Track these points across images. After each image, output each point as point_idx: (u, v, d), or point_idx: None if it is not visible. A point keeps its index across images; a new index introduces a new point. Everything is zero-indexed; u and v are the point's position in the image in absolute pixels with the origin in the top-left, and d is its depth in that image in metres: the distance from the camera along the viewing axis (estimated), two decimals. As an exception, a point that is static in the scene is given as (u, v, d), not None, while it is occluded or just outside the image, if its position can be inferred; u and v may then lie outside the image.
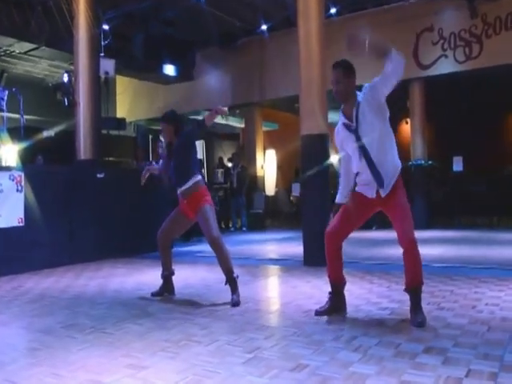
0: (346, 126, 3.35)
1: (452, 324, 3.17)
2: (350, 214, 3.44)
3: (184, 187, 4.10)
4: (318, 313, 3.49)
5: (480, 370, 2.35)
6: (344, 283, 3.59)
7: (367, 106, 3.25)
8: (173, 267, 4.40)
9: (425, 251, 6.93)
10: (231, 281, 4.01)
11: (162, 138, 12.07)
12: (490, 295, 3.97)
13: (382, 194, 3.29)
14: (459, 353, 2.60)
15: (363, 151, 3.27)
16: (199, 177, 4.17)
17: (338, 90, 3.29)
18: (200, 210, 4.06)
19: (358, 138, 3.27)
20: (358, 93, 3.33)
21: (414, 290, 3.27)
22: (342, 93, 3.30)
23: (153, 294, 4.31)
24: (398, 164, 3.37)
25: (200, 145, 15.00)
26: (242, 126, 15.05)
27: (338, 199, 3.56)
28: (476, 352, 2.61)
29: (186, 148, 4.13)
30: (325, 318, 3.42)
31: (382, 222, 10.92)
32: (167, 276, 4.37)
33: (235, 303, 3.86)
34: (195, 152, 4.25)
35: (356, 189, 3.46)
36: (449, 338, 2.85)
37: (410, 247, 3.25)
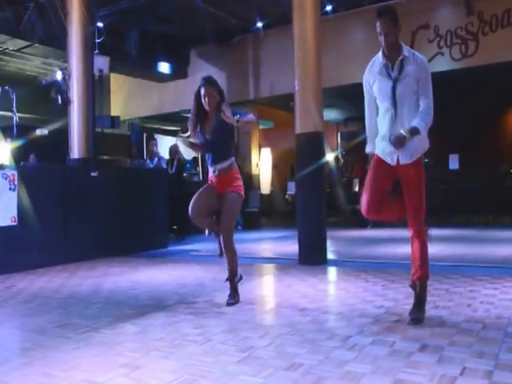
0: (387, 68, 3.22)
1: (447, 322, 3.17)
2: (376, 181, 3.29)
3: (220, 166, 3.87)
4: None
5: (475, 368, 2.34)
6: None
7: (413, 71, 3.17)
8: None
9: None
10: (232, 279, 3.94)
11: (155, 137, 12.05)
12: (485, 293, 3.98)
13: (402, 160, 3.18)
14: (454, 351, 2.60)
15: (394, 104, 3.17)
16: (234, 159, 3.96)
17: (390, 43, 3.16)
18: (229, 195, 3.85)
19: (394, 88, 3.16)
20: (404, 46, 3.22)
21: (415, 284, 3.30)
22: (393, 45, 3.18)
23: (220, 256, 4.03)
24: (425, 140, 3.29)
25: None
26: (237, 124, 14.99)
27: (369, 148, 3.40)
28: (471, 350, 2.60)
29: (229, 126, 3.81)
30: (320, 316, 3.41)
31: (377, 221, 10.95)
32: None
33: (230, 303, 3.82)
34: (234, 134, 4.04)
35: (377, 152, 3.32)
36: (444, 337, 2.85)
37: (417, 234, 3.29)
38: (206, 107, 3.89)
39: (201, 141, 3.96)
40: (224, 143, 3.91)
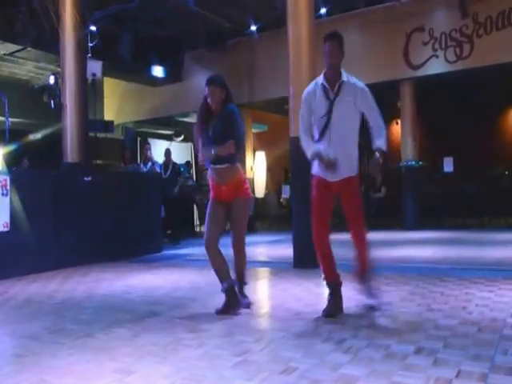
0: (325, 91, 3.41)
1: (442, 325, 3.16)
2: (321, 201, 3.57)
3: (221, 166, 3.67)
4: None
5: (470, 371, 2.33)
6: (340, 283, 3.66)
7: (351, 96, 3.39)
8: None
9: (415, 252, 7.00)
10: (241, 282, 3.84)
11: (149, 141, 12.02)
12: (480, 296, 3.97)
13: (335, 178, 3.45)
14: (449, 354, 2.59)
15: (328, 126, 3.40)
16: (238, 160, 3.82)
17: (334, 63, 3.36)
18: (240, 200, 3.75)
19: (331, 111, 3.38)
20: (344, 72, 3.43)
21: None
22: (336, 66, 3.38)
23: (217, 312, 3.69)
24: (355, 157, 3.51)
25: (188, 147, 14.97)
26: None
27: (312, 153, 3.53)
28: (466, 353, 2.60)
29: (236, 125, 3.71)
30: (315, 320, 3.39)
31: (372, 224, 10.95)
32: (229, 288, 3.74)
33: (246, 305, 3.74)
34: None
35: (315, 171, 3.58)
36: (439, 339, 2.84)
37: (361, 243, 3.67)
38: (213, 104, 3.72)
39: (207, 140, 3.75)
40: (226, 140, 3.69)
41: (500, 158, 12.08)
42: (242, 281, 3.86)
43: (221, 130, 3.69)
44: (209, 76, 3.82)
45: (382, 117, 3.50)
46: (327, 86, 3.44)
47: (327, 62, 3.41)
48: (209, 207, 3.82)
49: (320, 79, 3.50)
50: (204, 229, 3.87)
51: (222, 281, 3.73)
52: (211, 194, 3.85)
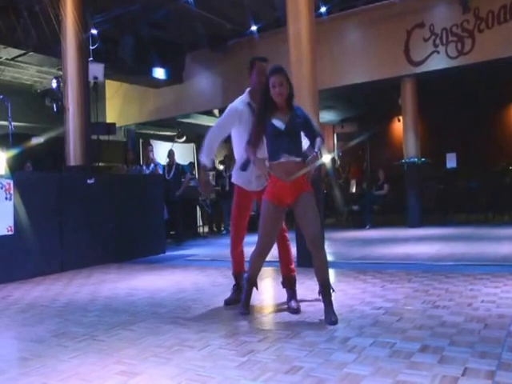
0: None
1: (448, 322, 3.14)
2: (242, 207, 4.06)
3: (295, 159, 3.39)
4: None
5: (477, 369, 2.32)
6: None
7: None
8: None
9: (419, 249, 6.97)
10: (326, 291, 3.38)
11: (151, 143, 12.03)
12: (485, 292, 3.95)
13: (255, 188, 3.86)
14: (455, 351, 2.57)
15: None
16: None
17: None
18: (308, 195, 3.43)
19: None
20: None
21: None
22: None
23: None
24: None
25: (191, 148, 14.98)
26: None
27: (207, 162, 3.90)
28: (472, 350, 2.58)
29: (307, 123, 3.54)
30: (319, 319, 3.38)
31: (375, 222, 10.94)
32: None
33: (333, 321, 3.23)
34: None
35: (236, 181, 3.97)
36: (445, 337, 2.82)
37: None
38: (276, 98, 3.42)
39: (272, 130, 3.42)
40: (299, 136, 3.49)
41: (503, 153, 12.03)
42: (321, 286, 3.43)
43: (299, 125, 3.46)
44: (273, 65, 3.53)
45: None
46: (253, 104, 3.82)
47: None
48: (265, 212, 3.49)
49: (244, 98, 3.96)
50: (260, 234, 3.61)
51: (250, 283, 3.79)
52: (268, 197, 3.47)
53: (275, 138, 3.41)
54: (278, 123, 3.42)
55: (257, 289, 3.86)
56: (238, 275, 4.11)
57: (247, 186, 3.92)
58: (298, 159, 3.40)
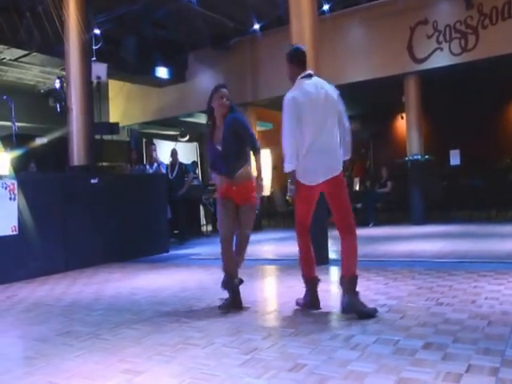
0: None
1: (451, 319, 3.14)
2: (309, 200, 3.90)
3: (239, 174, 3.90)
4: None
5: (480, 366, 2.31)
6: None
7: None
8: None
9: (422, 246, 6.96)
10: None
11: (154, 142, 12.04)
12: (489, 289, 3.95)
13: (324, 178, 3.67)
14: (459, 348, 2.57)
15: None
16: (249, 164, 4.02)
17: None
18: (248, 208, 3.93)
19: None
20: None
21: None
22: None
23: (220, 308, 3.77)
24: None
25: (194, 147, 14.98)
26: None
27: (291, 167, 3.74)
28: (476, 347, 2.58)
29: (239, 130, 3.92)
30: (322, 316, 3.39)
31: (379, 220, 10.92)
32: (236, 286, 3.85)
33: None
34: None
35: (301, 179, 3.74)
36: (448, 334, 2.82)
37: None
38: (220, 111, 3.87)
39: (213, 153, 3.92)
40: (237, 151, 3.86)
41: (507, 150, 11.97)
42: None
43: (232, 141, 3.85)
44: (216, 84, 3.99)
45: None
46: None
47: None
48: (219, 206, 3.93)
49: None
50: (218, 225, 3.97)
51: (230, 276, 3.80)
52: (219, 195, 3.97)
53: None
54: (216, 145, 3.90)
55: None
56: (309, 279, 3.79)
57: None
58: (241, 173, 3.90)
